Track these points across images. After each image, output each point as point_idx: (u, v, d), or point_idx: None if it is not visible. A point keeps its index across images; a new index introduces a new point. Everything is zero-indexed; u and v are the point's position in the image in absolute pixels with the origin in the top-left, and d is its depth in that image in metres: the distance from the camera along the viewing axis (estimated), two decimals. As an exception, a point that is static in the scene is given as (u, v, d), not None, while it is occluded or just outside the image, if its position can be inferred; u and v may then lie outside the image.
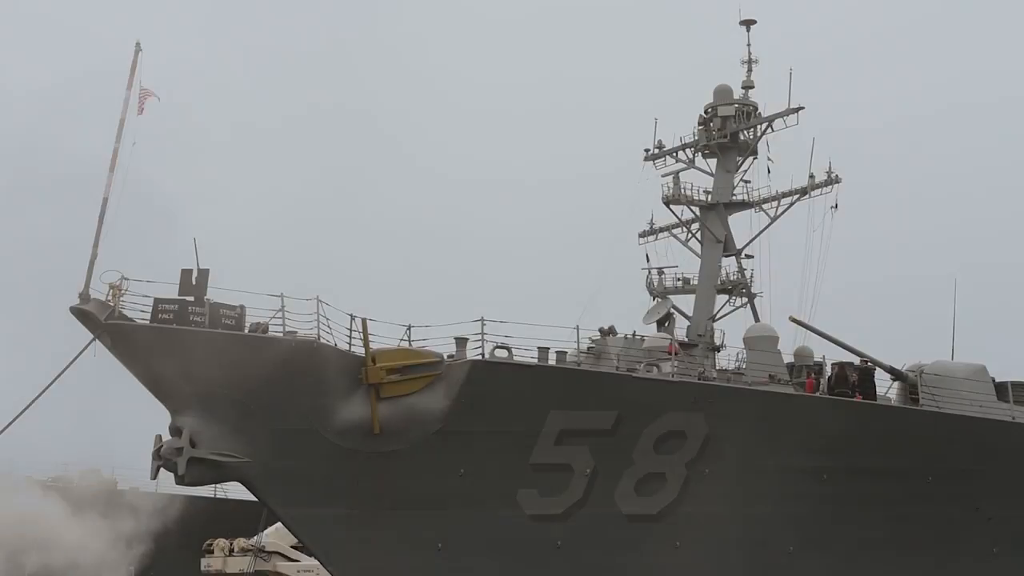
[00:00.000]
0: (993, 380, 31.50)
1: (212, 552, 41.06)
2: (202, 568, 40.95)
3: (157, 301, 24.63)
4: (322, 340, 25.05)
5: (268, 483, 25.29)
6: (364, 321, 25.22)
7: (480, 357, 26.13)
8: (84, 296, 24.25)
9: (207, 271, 24.78)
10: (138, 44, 25.32)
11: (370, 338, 25.30)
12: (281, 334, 25.08)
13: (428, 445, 25.54)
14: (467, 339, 26.51)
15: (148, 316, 24.59)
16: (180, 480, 24.83)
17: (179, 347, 24.26)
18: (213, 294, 24.96)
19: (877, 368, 30.29)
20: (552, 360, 27.53)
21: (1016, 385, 32.47)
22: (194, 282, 24.71)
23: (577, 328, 27.96)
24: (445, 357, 26.23)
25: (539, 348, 27.24)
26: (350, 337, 25.52)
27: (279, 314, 24.96)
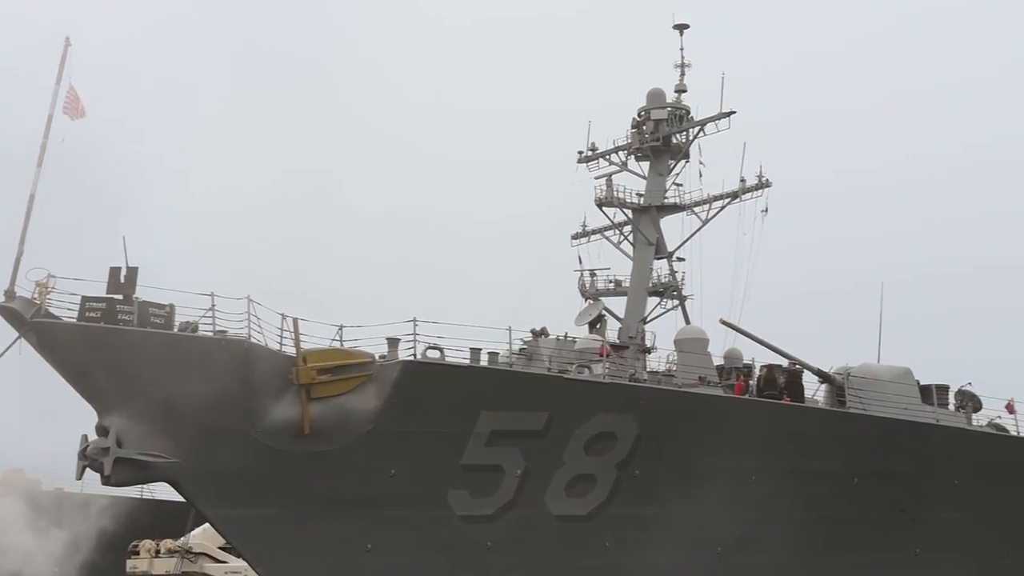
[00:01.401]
0: (918, 383, 31.93)
1: (138, 553, 40.56)
2: (128, 570, 40.45)
3: (85, 299, 24.30)
4: (253, 340, 24.86)
5: (196, 483, 25.06)
6: (295, 321, 25.07)
7: (412, 358, 26.07)
8: (9, 293, 23.88)
9: (136, 269, 24.49)
10: (68, 39, 24.96)
11: (301, 338, 25.16)
12: (211, 333, 24.86)
13: (359, 446, 25.44)
14: (399, 340, 26.45)
15: (75, 314, 24.26)
16: (106, 481, 24.53)
17: (106, 346, 23.95)
18: (143, 293, 24.69)
19: (805, 370, 30.60)
20: (484, 361, 27.54)
21: (940, 388, 32.95)
22: (123, 280, 24.41)
23: (509, 329, 28.01)
24: (377, 357, 26.14)
25: (471, 349, 27.25)
26: (281, 337, 25.35)
27: (209, 313, 24.75)
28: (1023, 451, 32.19)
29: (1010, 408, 33.51)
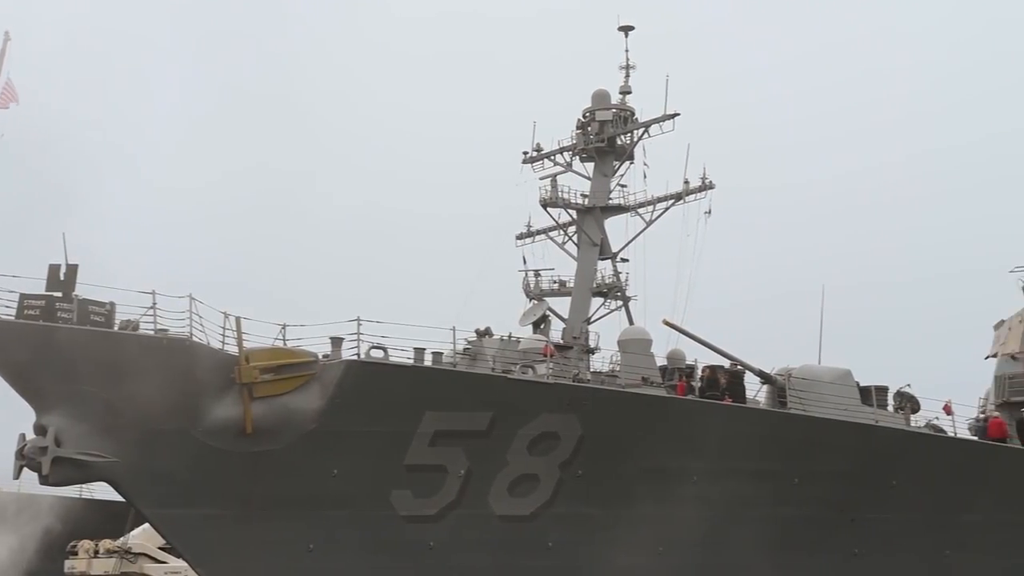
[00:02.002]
0: (858, 384, 32.21)
1: (76, 554, 40.18)
2: (66, 570, 40.05)
3: (23, 297, 24.04)
4: (194, 338, 24.68)
5: (136, 483, 24.85)
6: (238, 320, 24.92)
7: (355, 357, 25.98)
8: (-56, 291, 23.57)
9: (76, 267, 24.25)
10: (7, 33, 24.68)
11: (244, 337, 25.01)
12: (152, 332, 24.65)
13: (301, 445, 25.33)
14: (343, 339, 26.34)
15: (13, 312, 23.97)
16: (44, 480, 24.26)
17: (45, 344, 23.69)
18: (83, 290, 24.45)
19: (747, 371, 30.81)
20: (428, 361, 27.49)
21: (879, 389, 33.26)
22: (62, 277, 24.16)
23: (453, 329, 28.00)
24: (320, 357, 26.04)
25: (415, 349, 27.20)
26: (223, 336, 25.19)
27: (150, 311, 24.54)
28: (960, 452, 32.57)
29: (947, 409, 33.92)
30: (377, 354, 26.29)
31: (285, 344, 25.81)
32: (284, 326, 25.90)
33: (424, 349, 27.46)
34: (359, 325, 25.88)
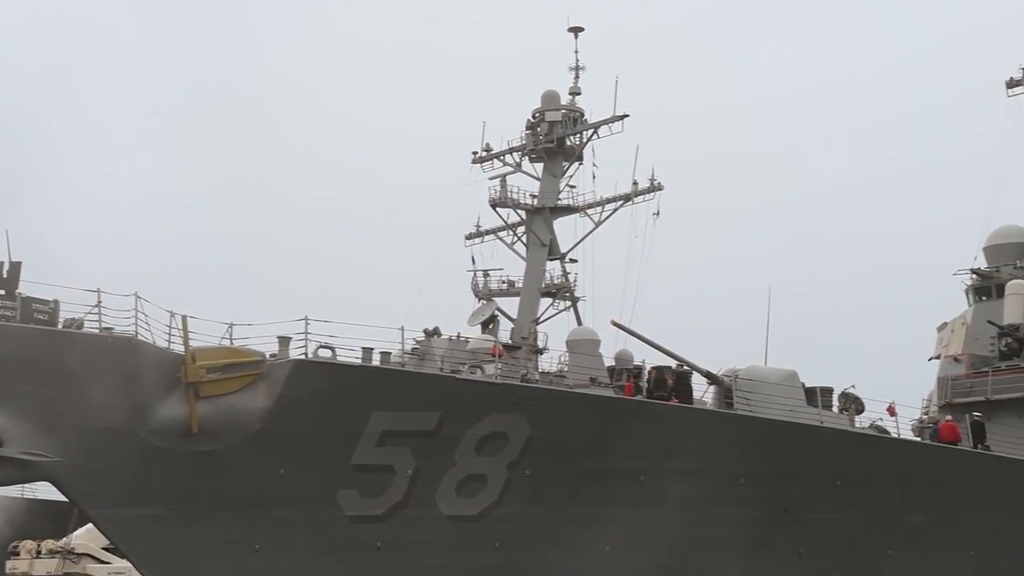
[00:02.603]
0: (803, 385, 32.47)
1: (18, 554, 39.73)
2: (7, 571, 39.60)
3: (-36, 295, 23.74)
4: (140, 337, 24.48)
5: (79, 483, 24.60)
6: (184, 319, 24.74)
7: (303, 357, 25.87)
8: None
9: (19, 264, 23.99)
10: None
11: (190, 336, 24.83)
12: (97, 330, 24.42)
13: (248, 445, 25.18)
14: (290, 338, 26.21)
15: (-45, 310, 23.67)
16: (-13, 480, 24.00)
17: (-13, 342, 23.41)
18: (26, 288, 24.17)
19: (694, 372, 30.96)
20: (376, 361, 27.43)
21: (824, 390, 33.55)
22: (5, 275, 23.89)
23: (402, 329, 27.96)
24: (267, 356, 25.90)
25: (363, 348, 27.13)
26: (169, 335, 25.00)
27: (95, 310, 24.32)
28: (903, 452, 32.93)
29: (891, 410, 34.27)
30: (325, 353, 26.19)
31: (232, 343, 25.66)
32: (231, 325, 25.78)
33: (372, 349, 27.41)
34: (307, 324, 25.79)
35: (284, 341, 26.34)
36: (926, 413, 46.00)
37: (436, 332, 32.34)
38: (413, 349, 30.75)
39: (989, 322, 44.73)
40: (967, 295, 49.84)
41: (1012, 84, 51.89)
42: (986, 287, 48.57)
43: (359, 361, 26.97)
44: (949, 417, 35.82)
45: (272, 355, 26.16)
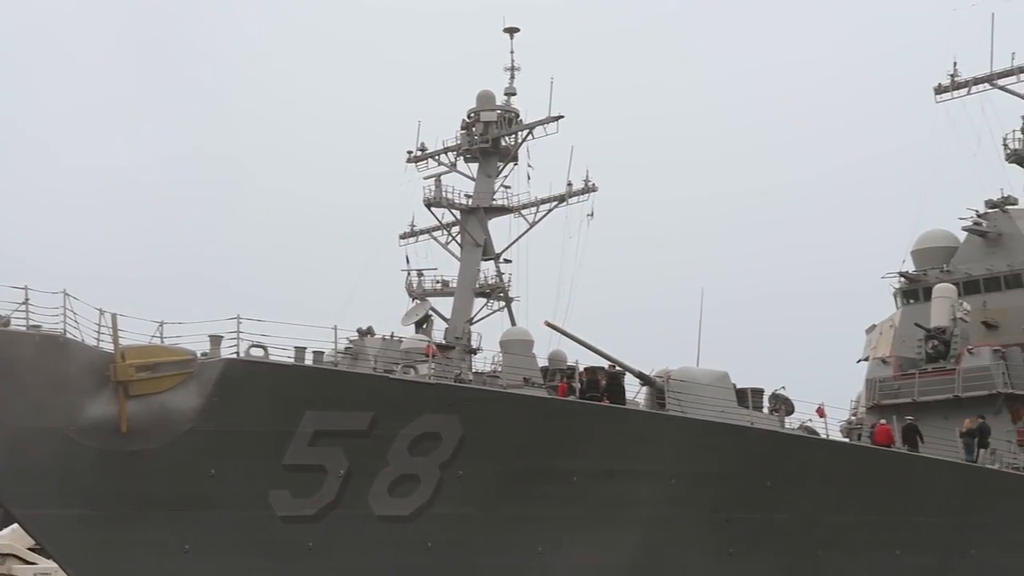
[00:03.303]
0: (734, 386, 32.73)
1: (-59, 555, 39.04)
2: (-70, 572, 38.91)
3: None
4: (68, 335, 24.16)
5: (4, 483, 24.25)
6: (114, 316, 24.46)
7: (235, 356, 25.67)
8: None
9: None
10: None
11: (120, 334, 24.55)
12: (24, 328, 24.07)
13: (178, 445, 24.94)
14: (222, 337, 25.99)
15: None
16: (-92, 480, 23.56)
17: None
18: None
19: (626, 373, 31.10)
20: (309, 360, 27.28)
21: (755, 391, 33.85)
22: (-71, 272, 23.51)
23: (335, 328, 27.81)
24: (198, 355, 25.67)
25: (296, 348, 26.96)
26: (99, 333, 24.69)
27: (23, 307, 23.97)
28: (832, 453, 33.31)
29: (820, 412, 34.68)
30: (257, 352, 26.00)
31: (163, 342, 25.40)
32: (162, 323, 25.50)
33: (305, 348, 27.26)
34: (239, 323, 25.59)
35: (216, 340, 26.11)
36: (854, 414, 46.65)
37: (369, 332, 32.25)
38: (346, 349, 30.62)
39: (916, 325, 45.44)
40: (895, 298, 50.61)
41: (940, 90, 52.72)
42: (913, 290, 49.37)
43: (292, 360, 26.81)
44: (884, 421, 36.30)
45: (203, 354, 25.94)
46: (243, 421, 25.35)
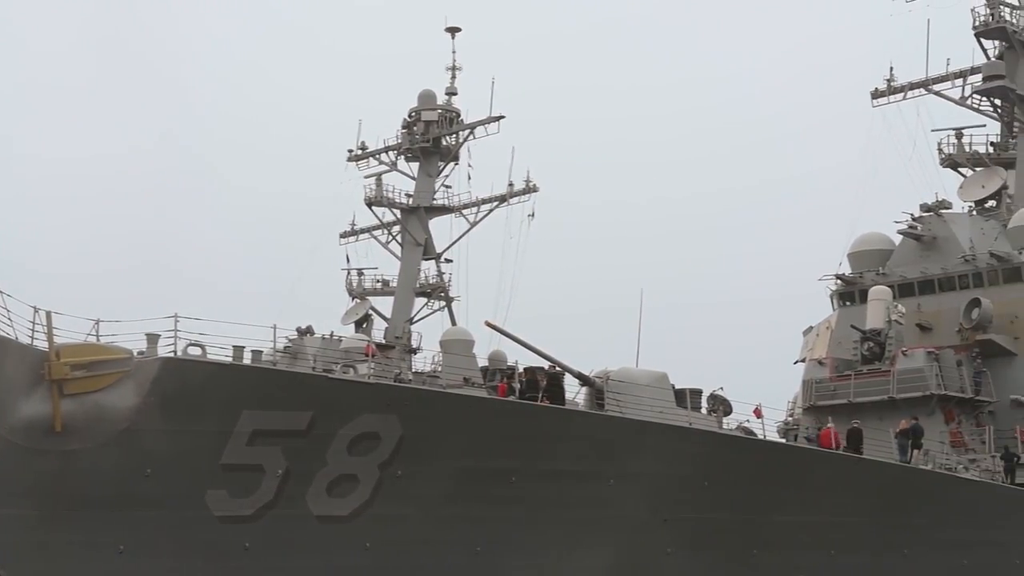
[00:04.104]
0: (673, 387, 32.94)
1: None
2: None
3: None
4: (1, 333, 23.84)
5: (-66, 483, 23.90)
6: (48, 314, 24.13)
7: (172, 354, 25.44)
8: None
9: None
10: None
11: (55, 332, 24.25)
12: (-44, 326, 23.73)
13: (113, 444, 24.65)
14: (159, 336, 25.75)
15: None
16: None
17: None
18: None
19: (566, 373, 31.18)
20: (247, 359, 27.10)
21: (694, 392, 34.12)
22: None
23: (274, 327, 27.62)
24: (135, 354, 25.41)
25: (234, 347, 26.77)
26: (33, 331, 24.36)
27: (-46, 305, 23.61)
28: (768, 453, 33.62)
29: (757, 413, 35.02)
30: (195, 351, 25.77)
31: (99, 340, 25.12)
32: (98, 321, 25.21)
33: (243, 347, 27.08)
34: (176, 322, 25.34)
35: (153, 338, 25.85)
36: (791, 415, 47.12)
37: (309, 331, 32.12)
38: (285, 348, 30.47)
39: (852, 327, 46.04)
40: (832, 300, 51.21)
41: (877, 95, 53.49)
42: (850, 292, 50.02)
43: (230, 359, 26.63)
44: (831, 424, 36.71)
45: (140, 352, 25.69)
46: (180, 420, 25.12)
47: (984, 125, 53.17)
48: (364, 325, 48.52)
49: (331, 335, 33.17)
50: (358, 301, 50.36)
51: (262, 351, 27.87)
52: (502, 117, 48.35)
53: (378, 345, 34.72)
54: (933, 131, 52.61)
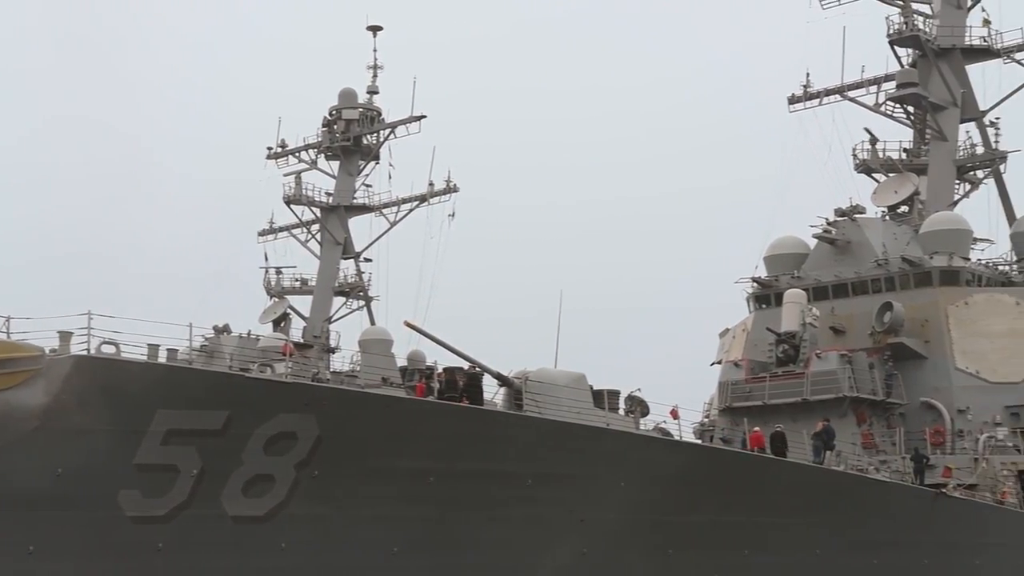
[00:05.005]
0: (591, 388, 33.09)
1: None
2: None
3: None
4: (-92, 330, 23.38)
5: None
6: (-42, 311, 23.72)
7: (85, 353, 25.07)
8: None
9: None
10: None
11: (-37, 329, 23.82)
12: None
13: (23, 443, 24.24)
14: (72, 333, 25.35)
15: None
16: None
17: None
18: None
19: (485, 374, 31.22)
20: (163, 358, 26.79)
21: (612, 393, 34.29)
22: None
23: (190, 325, 27.30)
24: (47, 351, 25.00)
25: (149, 345, 26.42)
26: (-59, 328, 23.92)
27: None
28: (684, 454, 33.91)
29: (674, 414, 35.34)
30: (108, 350, 25.42)
31: (9, 337, 24.69)
32: (8, 319, 24.79)
33: (159, 346, 26.75)
34: (90, 319, 24.99)
35: (65, 336, 25.43)
36: (707, 416, 47.62)
37: (226, 329, 31.82)
38: (201, 346, 30.16)
39: (768, 329, 46.62)
40: (748, 303, 51.83)
41: (793, 100, 54.29)
42: (765, 295, 50.69)
43: (144, 358, 26.30)
44: (758, 428, 37.12)
45: (52, 350, 25.27)
46: (92, 420, 24.76)
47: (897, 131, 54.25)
48: (282, 324, 48.16)
49: (248, 334, 32.89)
50: (276, 300, 50.00)
51: (178, 350, 27.56)
52: (423, 117, 48.33)
53: (296, 344, 34.54)
54: (861, 141, 53.51)
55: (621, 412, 34.33)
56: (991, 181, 54.19)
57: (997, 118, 53.72)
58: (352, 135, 48.73)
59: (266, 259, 52.46)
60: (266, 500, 27.06)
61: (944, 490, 38.88)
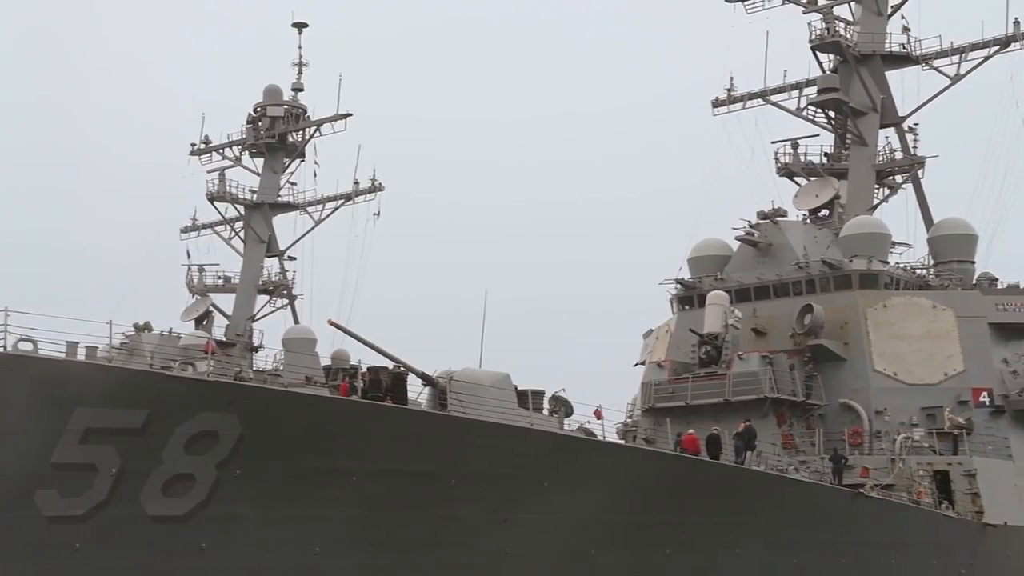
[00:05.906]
0: (516, 388, 33.15)
1: None
2: None
3: None
4: None
5: None
6: None
7: (1, 350, 24.66)
8: None
9: None
10: None
11: None
12: None
13: (-64, 443, 23.84)
14: (-12, 330, 24.96)
15: None
16: None
17: None
18: None
19: (410, 373, 31.15)
20: (82, 355, 26.42)
21: (536, 393, 34.37)
22: None
23: (110, 323, 26.95)
24: (-38, 349, 24.59)
25: (68, 342, 26.09)
26: None
27: None
28: (608, 455, 34.07)
29: (598, 414, 35.51)
30: (26, 347, 25.04)
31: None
32: (-78, 315, 24.33)
33: (78, 343, 26.41)
34: (6, 316, 24.61)
35: (-19, 333, 25.05)
36: (630, 416, 47.90)
37: (147, 327, 31.43)
38: (122, 344, 29.78)
39: (691, 330, 47.01)
40: (672, 304, 52.20)
41: (717, 104, 54.87)
42: (689, 297, 51.12)
43: (63, 355, 25.92)
44: (692, 430, 37.33)
45: (-33, 348, 24.86)
46: (8, 418, 24.38)
47: (818, 135, 54.95)
48: (204, 322, 47.71)
49: (170, 332, 32.54)
50: (198, 297, 49.51)
51: (97, 347, 27.17)
52: (349, 115, 48.16)
53: (218, 342, 34.23)
54: (773, 142, 54.17)
55: (545, 412, 34.43)
56: (910, 186, 55.07)
57: (916, 124, 54.62)
58: (277, 132, 48.39)
59: (188, 256, 51.90)
60: (186, 500, 26.80)
61: (862, 490, 39.43)
